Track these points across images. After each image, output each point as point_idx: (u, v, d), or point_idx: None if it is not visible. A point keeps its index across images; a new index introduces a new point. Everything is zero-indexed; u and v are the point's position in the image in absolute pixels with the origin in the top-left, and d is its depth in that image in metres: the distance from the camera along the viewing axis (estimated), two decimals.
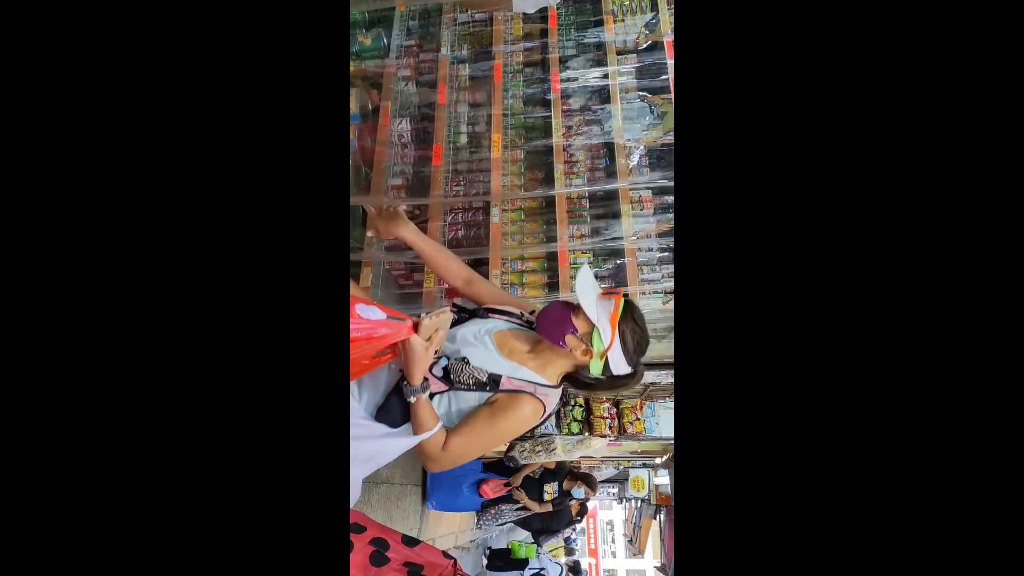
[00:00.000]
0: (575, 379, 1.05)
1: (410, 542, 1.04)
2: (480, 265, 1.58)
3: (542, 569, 4.86)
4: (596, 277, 1.51)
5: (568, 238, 1.49)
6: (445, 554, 0.99)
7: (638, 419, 3.62)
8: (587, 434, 3.56)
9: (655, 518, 8.85)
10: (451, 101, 1.36)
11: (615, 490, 11.14)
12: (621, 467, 7.49)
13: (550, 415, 1.03)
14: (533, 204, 1.67)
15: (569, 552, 6.06)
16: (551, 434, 3.56)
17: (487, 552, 5.47)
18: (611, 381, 1.03)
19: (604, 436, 3.57)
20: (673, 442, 4.20)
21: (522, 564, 5.00)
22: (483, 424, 0.98)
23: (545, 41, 1.61)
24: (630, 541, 11.99)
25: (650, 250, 1.44)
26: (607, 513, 23.10)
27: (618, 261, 1.45)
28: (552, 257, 1.49)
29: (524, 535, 5.30)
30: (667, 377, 1.92)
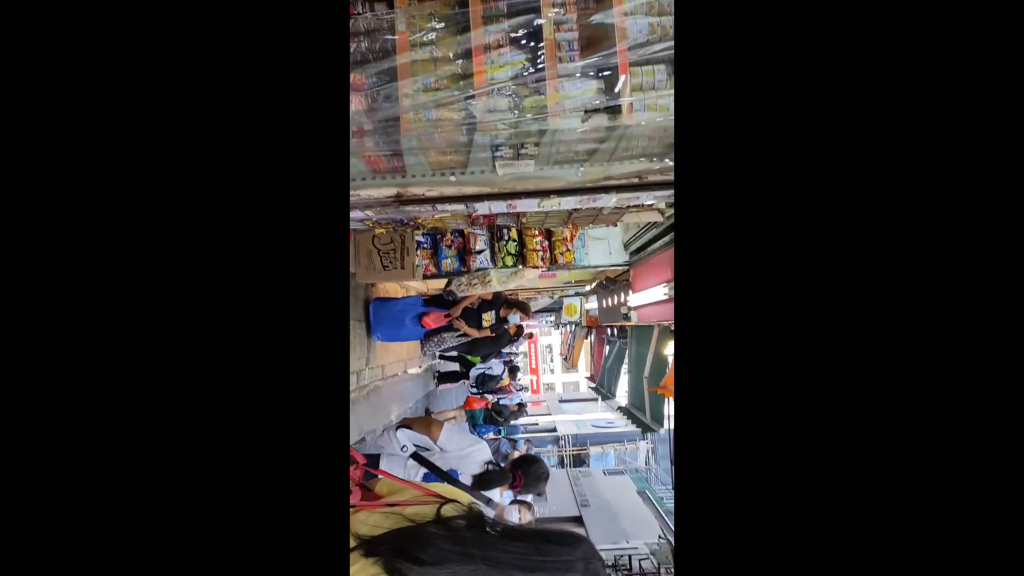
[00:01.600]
0: None
1: None
2: (389, 83, 1.44)
3: (488, 368, 5.53)
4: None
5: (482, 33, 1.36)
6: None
7: (568, 250, 3.83)
8: (520, 266, 3.75)
9: (586, 338, 10.00)
10: None
11: (552, 318, 12.27)
12: (556, 296, 8.13)
13: None
14: (446, 9, 1.48)
15: (511, 367, 6.85)
16: (486, 268, 3.72)
17: (436, 374, 6.09)
18: None
19: (537, 267, 3.78)
20: (600, 269, 4.54)
21: (466, 374, 5.65)
22: None
23: None
24: (565, 358, 13.69)
25: (571, 51, 1.36)
26: (546, 339, 25.82)
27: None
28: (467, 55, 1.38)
29: None
30: (588, 203, 1.98)
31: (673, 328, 4.37)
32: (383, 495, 0.89)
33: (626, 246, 4.21)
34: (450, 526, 0.74)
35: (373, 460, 1.79)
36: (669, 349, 4.55)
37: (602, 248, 4.19)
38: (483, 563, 0.70)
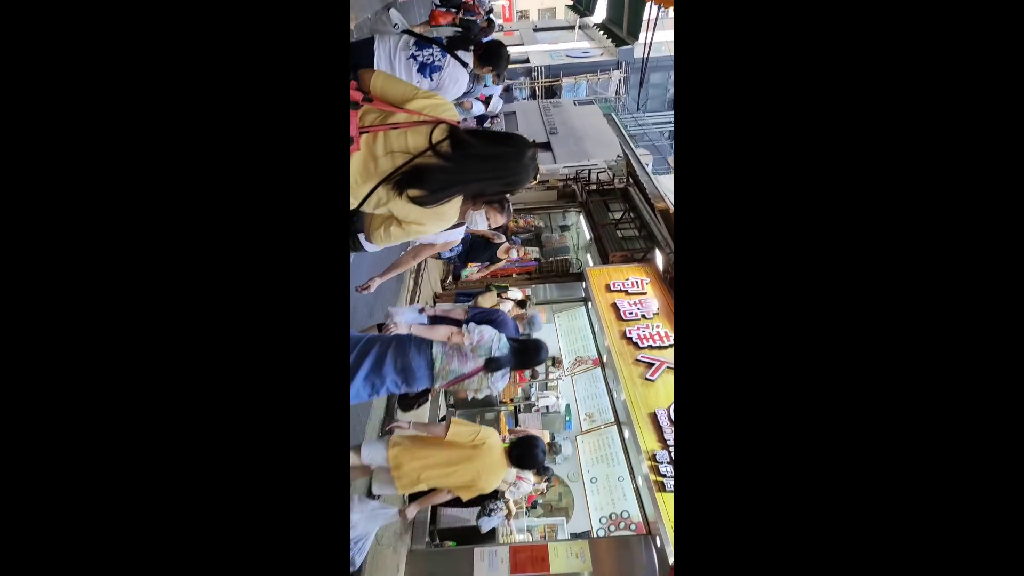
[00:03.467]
0: None
1: None
2: None
3: None
4: None
5: None
6: None
7: None
8: None
9: None
10: None
11: None
12: None
13: None
14: None
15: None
16: None
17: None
18: None
19: None
20: None
21: None
22: None
23: None
24: None
25: None
26: None
27: None
28: None
29: None
30: None
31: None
32: (377, 94, 1.08)
33: None
34: (440, 151, 0.99)
35: (365, 48, 1.85)
36: None
37: None
38: (465, 183, 1.01)
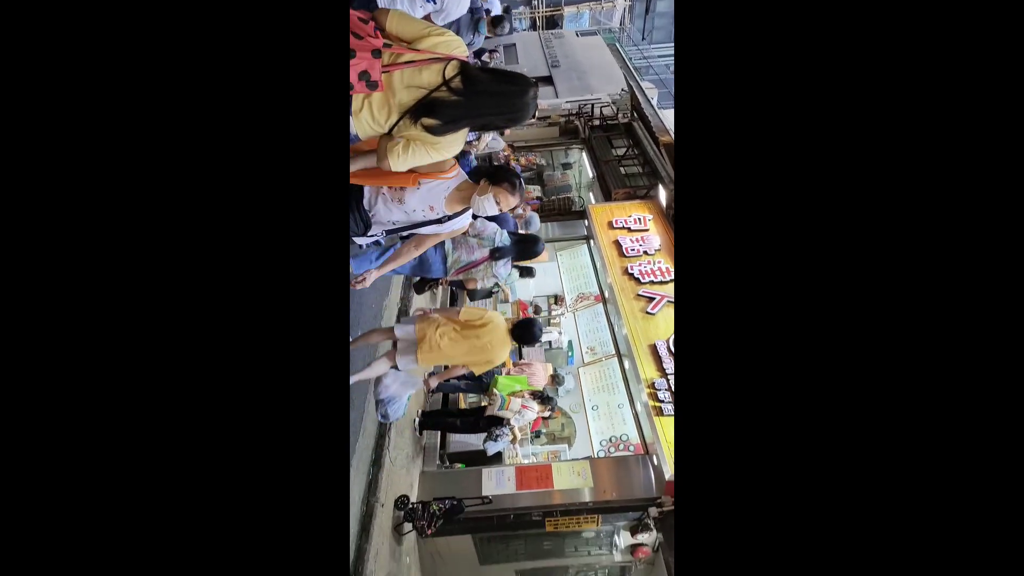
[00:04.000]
0: None
1: None
2: None
3: None
4: None
5: None
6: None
7: None
8: None
9: None
10: None
11: None
12: None
13: None
14: None
15: None
16: None
17: None
18: None
19: None
20: None
21: None
22: None
23: None
24: None
25: None
26: None
27: None
28: None
29: None
30: None
31: None
32: (393, 33, 1.12)
33: None
34: (453, 87, 1.08)
35: None
36: None
37: None
38: (473, 117, 1.11)
